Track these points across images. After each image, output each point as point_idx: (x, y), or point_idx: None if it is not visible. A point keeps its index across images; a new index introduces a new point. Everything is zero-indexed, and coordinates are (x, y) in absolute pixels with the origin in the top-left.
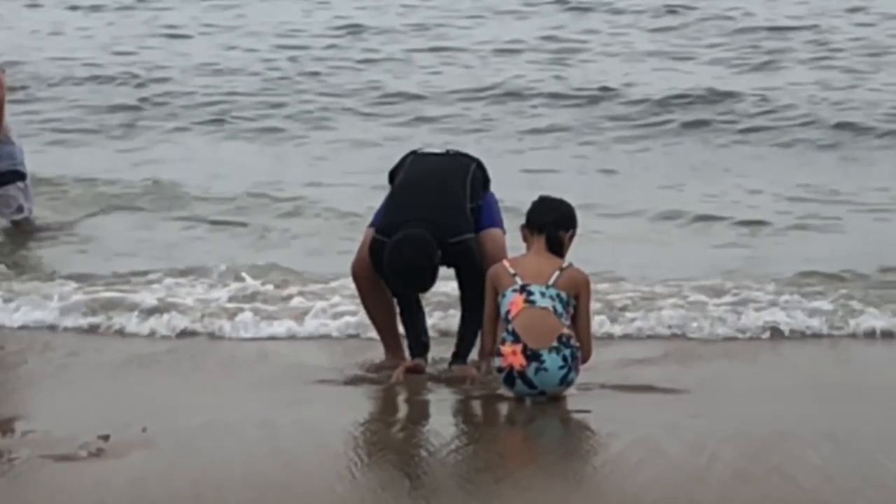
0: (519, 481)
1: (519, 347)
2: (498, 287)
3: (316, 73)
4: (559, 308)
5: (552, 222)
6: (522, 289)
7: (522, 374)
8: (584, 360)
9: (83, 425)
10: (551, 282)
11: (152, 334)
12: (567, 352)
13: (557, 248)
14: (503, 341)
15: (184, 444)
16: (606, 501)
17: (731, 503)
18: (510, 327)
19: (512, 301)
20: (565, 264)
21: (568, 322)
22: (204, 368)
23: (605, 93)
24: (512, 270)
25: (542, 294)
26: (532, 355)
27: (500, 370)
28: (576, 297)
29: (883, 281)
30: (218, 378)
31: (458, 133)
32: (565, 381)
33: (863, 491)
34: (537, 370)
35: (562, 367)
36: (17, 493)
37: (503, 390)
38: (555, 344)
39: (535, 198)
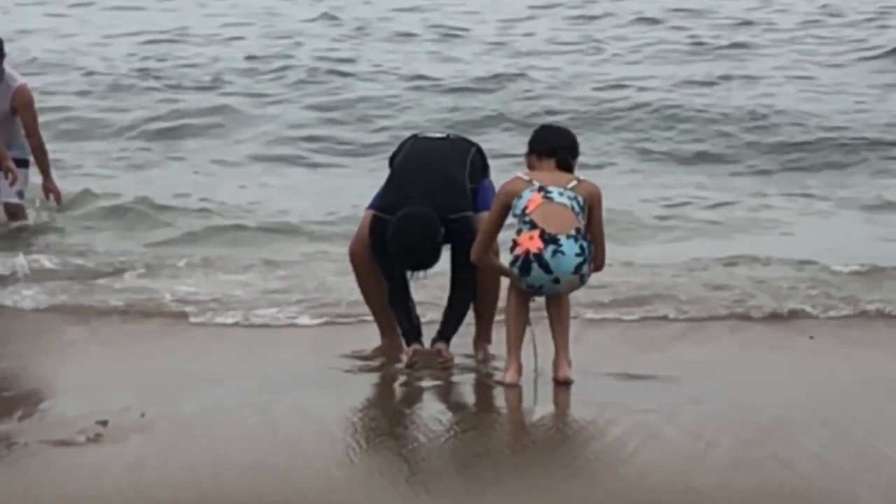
0: (517, 467)
1: (536, 233)
2: (512, 194)
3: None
4: (576, 208)
5: (564, 146)
6: (540, 189)
7: (539, 257)
8: (599, 269)
9: (81, 410)
10: (569, 187)
11: (149, 320)
12: (584, 243)
13: (567, 170)
14: (519, 232)
15: (182, 429)
16: (604, 487)
17: (728, 489)
18: (527, 219)
19: (530, 198)
20: (581, 177)
21: (583, 223)
22: (203, 354)
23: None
24: (528, 178)
25: (560, 194)
26: (550, 239)
27: (514, 260)
28: (590, 208)
29: (881, 268)
30: (217, 364)
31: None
32: (580, 272)
33: (860, 477)
34: (554, 252)
35: (578, 255)
36: (16, 478)
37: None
38: (573, 233)
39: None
